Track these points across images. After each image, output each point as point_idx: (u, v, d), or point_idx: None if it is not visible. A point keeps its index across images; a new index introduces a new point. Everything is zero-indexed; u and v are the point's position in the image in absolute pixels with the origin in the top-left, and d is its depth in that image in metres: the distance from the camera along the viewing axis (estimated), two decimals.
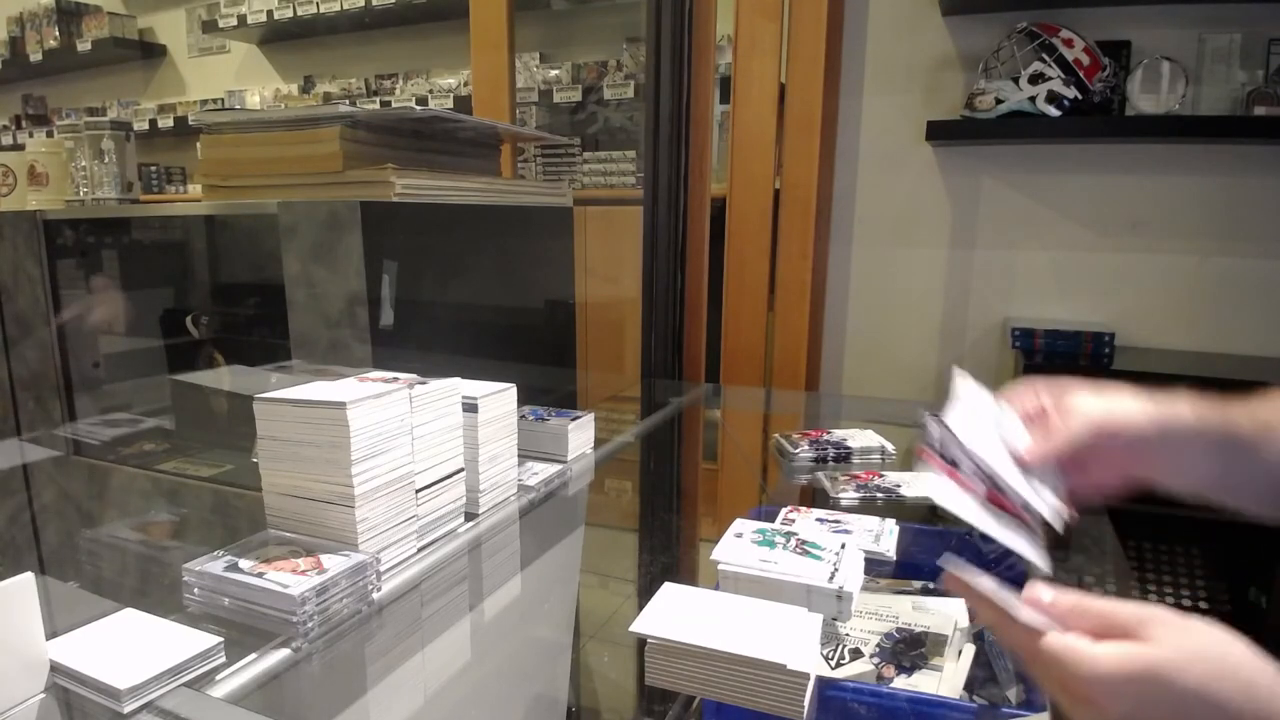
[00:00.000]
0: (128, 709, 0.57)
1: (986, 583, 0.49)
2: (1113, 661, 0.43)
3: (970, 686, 0.72)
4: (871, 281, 2.31)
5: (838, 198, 2.29)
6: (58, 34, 3.88)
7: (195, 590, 0.72)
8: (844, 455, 1.24)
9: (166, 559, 1.10)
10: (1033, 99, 1.87)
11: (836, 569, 0.72)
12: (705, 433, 1.71)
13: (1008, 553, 0.91)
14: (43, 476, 1.42)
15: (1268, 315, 1.95)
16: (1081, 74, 1.85)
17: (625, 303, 2.25)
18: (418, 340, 1.23)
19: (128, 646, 0.62)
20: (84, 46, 3.85)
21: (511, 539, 0.98)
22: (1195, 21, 1.89)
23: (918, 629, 0.78)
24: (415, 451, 0.82)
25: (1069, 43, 1.86)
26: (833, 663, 0.74)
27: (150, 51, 3.99)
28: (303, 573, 0.70)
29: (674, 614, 0.65)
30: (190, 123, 3.49)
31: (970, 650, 0.76)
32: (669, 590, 0.69)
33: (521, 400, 1.01)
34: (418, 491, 0.83)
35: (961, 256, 2.20)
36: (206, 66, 3.91)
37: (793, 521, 0.90)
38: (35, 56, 3.99)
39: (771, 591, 0.71)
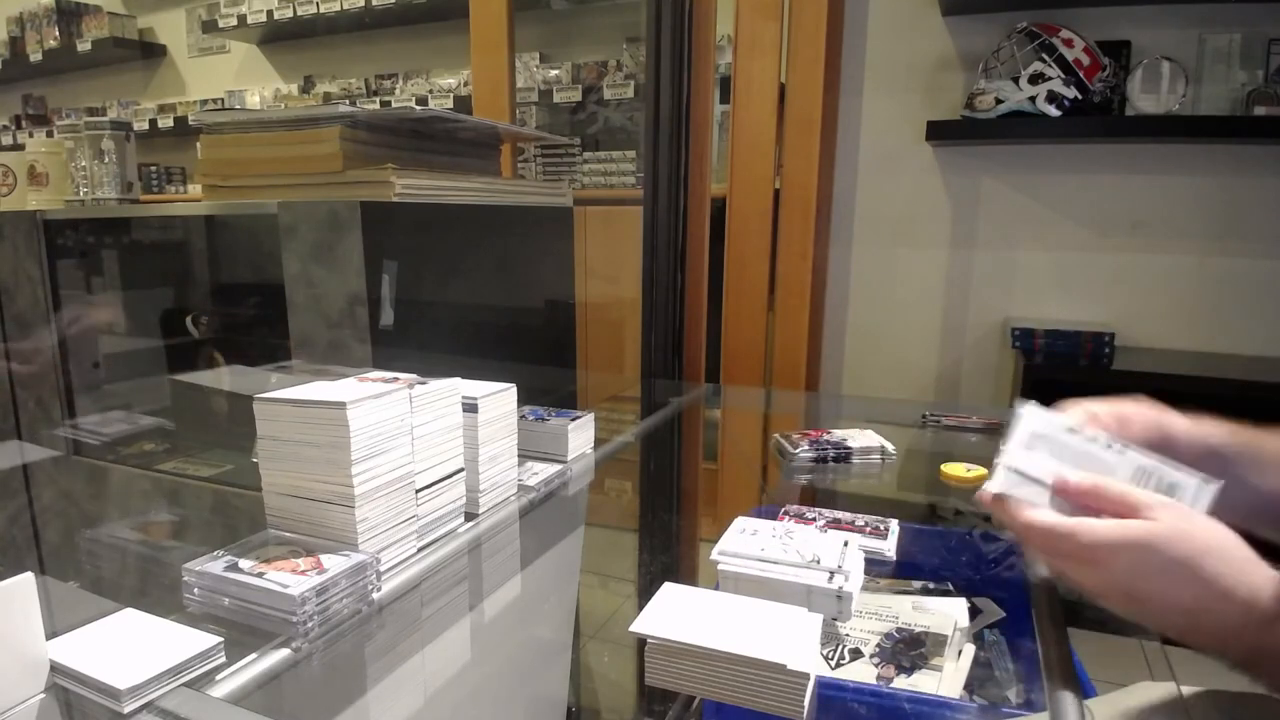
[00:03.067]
0: (128, 709, 0.57)
1: (1017, 484, 0.59)
2: (1114, 530, 0.53)
3: (970, 686, 0.72)
4: (871, 281, 2.31)
5: (838, 198, 2.29)
6: (58, 34, 3.88)
7: (195, 590, 0.72)
8: (844, 455, 1.23)
9: (166, 559, 1.10)
10: (1033, 99, 1.87)
11: (836, 569, 0.72)
12: (705, 433, 1.71)
13: (1006, 553, 0.91)
14: (43, 476, 1.42)
15: (1268, 315, 1.95)
16: (1081, 74, 1.85)
17: (625, 303, 2.25)
18: (418, 340, 1.23)
19: (128, 646, 0.62)
20: (84, 46, 3.84)
21: (511, 539, 0.98)
22: (1195, 21, 1.89)
23: (918, 629, 0.78)
24: (415, 451, 0.82)
25: (1069, 43, 1.86)
26: (833, 663, 0.74)
27: (150, 51, 3.99)
28: (303, 573, 0.70)
29: (674, 614, 0.65)
30: (190, 123, 3.49)
31: (970, 650, 0.76)
32: (669, 590, 0.69)
33: (521, 400, 1.01)
34: (418, 491, 0.83)
35: (961, 256, 2.20)
36: (206, 66, 3.91)
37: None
38: (35, 56, 3.98)
39: (771, 591, 0.71)
